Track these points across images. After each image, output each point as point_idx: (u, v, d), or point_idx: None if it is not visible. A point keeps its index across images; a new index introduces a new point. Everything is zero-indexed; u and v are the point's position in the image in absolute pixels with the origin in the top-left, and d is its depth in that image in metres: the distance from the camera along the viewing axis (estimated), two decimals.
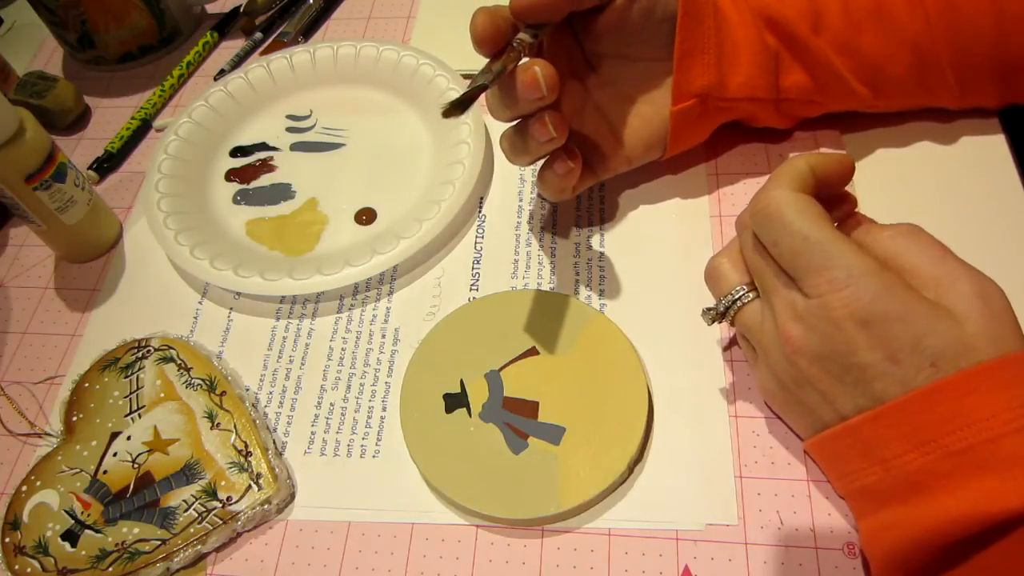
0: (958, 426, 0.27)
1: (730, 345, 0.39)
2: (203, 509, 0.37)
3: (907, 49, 0.39)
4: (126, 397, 0.41)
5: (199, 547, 0.36)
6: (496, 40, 0.34)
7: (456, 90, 0.50)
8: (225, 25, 0.61)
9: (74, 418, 0.41)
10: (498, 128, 0.39)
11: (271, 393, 0.42)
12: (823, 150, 0.44)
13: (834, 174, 0.33)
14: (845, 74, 0.40)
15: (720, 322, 0.35)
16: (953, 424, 0.27)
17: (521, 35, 0.35)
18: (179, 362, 0.41)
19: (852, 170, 0.33)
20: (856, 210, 0.35)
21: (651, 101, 0.41)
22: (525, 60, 0.34)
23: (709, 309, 0.35)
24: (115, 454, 0.39)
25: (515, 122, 0.38)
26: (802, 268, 0.30)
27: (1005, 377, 0.27)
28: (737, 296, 0.34)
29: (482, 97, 0.38)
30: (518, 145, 0.38)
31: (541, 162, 0.40)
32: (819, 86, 0.40)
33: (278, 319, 0.44)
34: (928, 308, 0.28)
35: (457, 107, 0.33)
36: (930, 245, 0.30)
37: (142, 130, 0.56)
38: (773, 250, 0.31)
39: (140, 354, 0.42)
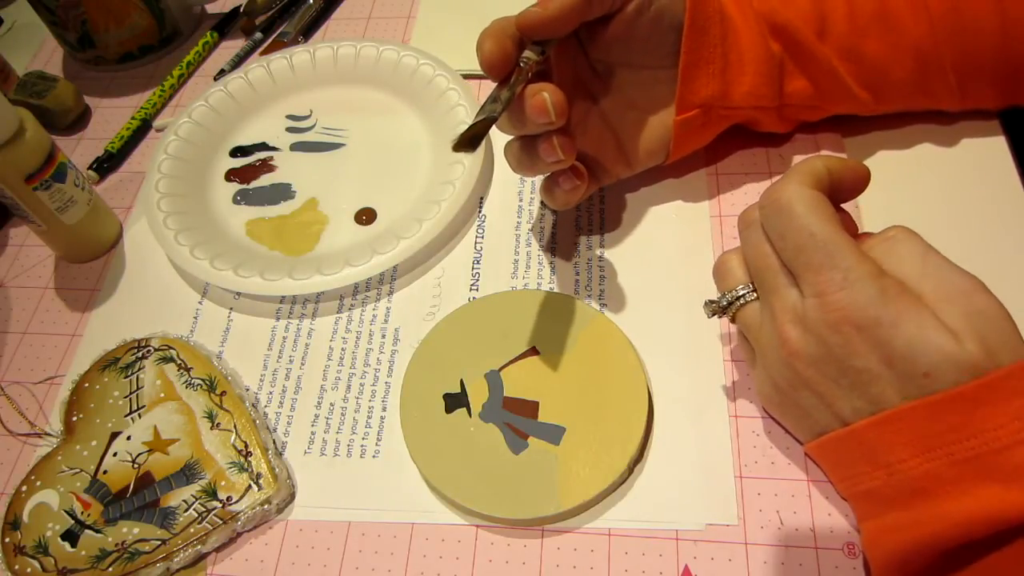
0: (966, 435, 0.26)
1: (730, 345, 0.39)
2: (203, 509, 0.37)
3: (910, 54, 0.39)
4: (126, 397, 0.41)
5: (199, 547, 0.36)
6: (505, 64, 0.34)
7: (457, 91, 0.50)
8: (225, 25, 0.61)
9: (74, 418, 0.41)
10: (499, 130, 0.39)
11: (271, 393, 0.42)
12: (824, 152, 0.44)
13: (848, 180, 0.32)
14: (847, 79, 0.40)
15: (721, 316, 0.35)
16: (961, 433, 0.27)
17: (528, 53, 0.34)
18: (179, 362, 0.41)
19: (867, 180, 0.33)
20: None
21: (655, 109, 0.41)
22: (533, 84, 0.34)
23: (712, 301, 0.35)
24: (115, 454, 0.39)
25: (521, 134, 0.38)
26: (803, 265, 0.30)
27: (1015, 386, 0.26)
28: (741, 293, 0.34)
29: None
30: (524, 162, 0.38)
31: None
32: (821, 92, 0.40)
33: (278, 319, 0.44)
34: (922, 317, 0.27)
35: (468, 144, 0.32)
36: (913, 254, 0.29)
37: (142, 130, 0.56)
38: (779, 244, 0.31)
39: (140, 354, 0.42)
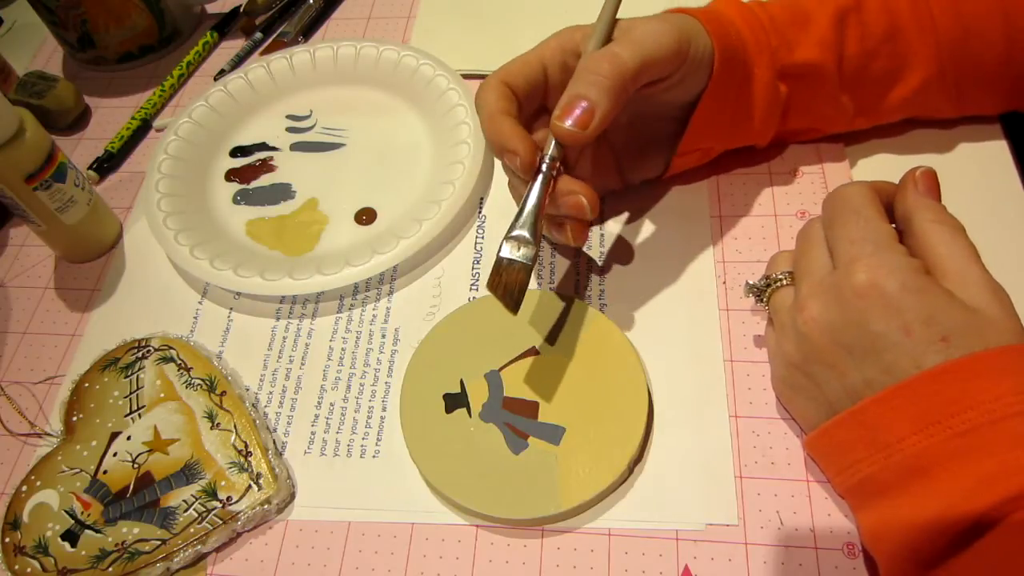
0: (963, 407, 0.27)
1: (730, 345, 0.39)
2: (203, 509, 0.37)
3: (916, 74, 0.39)
4: (126, 397, 0.41)
5: (199, 547, 0.36)
6: (535, 163, 0.35)
7: (457, 91, 0.50)
8: (225, 25, 0.61)
9: (74, 418, 0.41)
10: None
11: (271, 393, 0.42)
12: (826, 155, 0.44)
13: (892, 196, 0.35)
14: (849, 108, 0.41)
15: (757, 299, 0.37)
16: (959, 405, 0.27)
17: (552, 152, 0.35)
18: (179, 362, 0.41)
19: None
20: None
21: (655, 135, 0.42)
22: (564, 180, 0.35)
23: (752, 285, 0.37)
24: (115, 454, 0.39)
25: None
26: (844, 238, 0.32)
27: (1009, 363, 0.28)
28: (779, 277, 0.36)
29: (480, 92, 0.37)
30: (552, 231, 0.38)
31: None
32: (822, 123, 0.42)
33: (278, 319, 0.44)
34: (944, 291, 0.29)
35: (514, 308, 0.35)
36: (966, 247, 0.31)
37: (142, 130, 0.56)
38: (827, 224, 0.34)
39: (140, 354, 0.42)
